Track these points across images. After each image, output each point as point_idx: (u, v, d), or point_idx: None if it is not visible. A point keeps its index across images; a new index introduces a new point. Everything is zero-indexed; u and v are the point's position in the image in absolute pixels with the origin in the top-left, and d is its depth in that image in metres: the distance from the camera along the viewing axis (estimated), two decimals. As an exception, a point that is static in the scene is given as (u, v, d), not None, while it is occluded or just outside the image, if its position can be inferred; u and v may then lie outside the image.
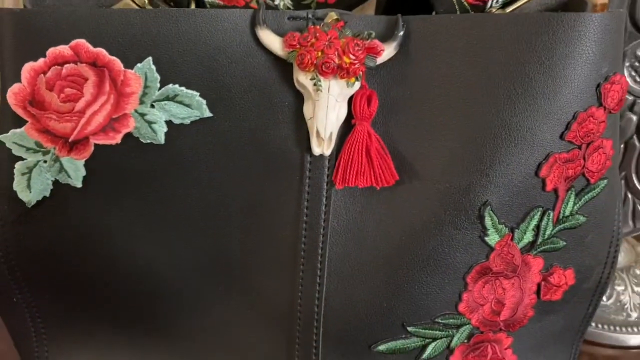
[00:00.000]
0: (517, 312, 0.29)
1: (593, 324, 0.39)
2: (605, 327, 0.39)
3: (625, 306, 0.39)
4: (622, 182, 0.39)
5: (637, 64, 0.35)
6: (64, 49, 0.26)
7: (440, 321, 0.28)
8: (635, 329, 0.39)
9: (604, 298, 0.39)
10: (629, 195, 0.39)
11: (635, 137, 0.37)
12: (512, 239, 0.27)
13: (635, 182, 0.38)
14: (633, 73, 0.35)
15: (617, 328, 0.39)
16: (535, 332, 0.30)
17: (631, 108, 0.36)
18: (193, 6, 0.29)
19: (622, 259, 0.41)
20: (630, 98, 0.36)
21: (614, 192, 0.28)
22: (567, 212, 0.27)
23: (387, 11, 0.32)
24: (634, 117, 0.36)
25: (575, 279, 0.29)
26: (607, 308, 0.39)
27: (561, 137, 0.25)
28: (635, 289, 0.40)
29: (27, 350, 0.33)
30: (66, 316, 0.32)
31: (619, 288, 0.40)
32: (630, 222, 0.40)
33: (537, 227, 0.27)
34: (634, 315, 0.39)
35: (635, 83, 0.36)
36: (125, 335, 0.31)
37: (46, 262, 0.30)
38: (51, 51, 0.26)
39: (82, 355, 0.32)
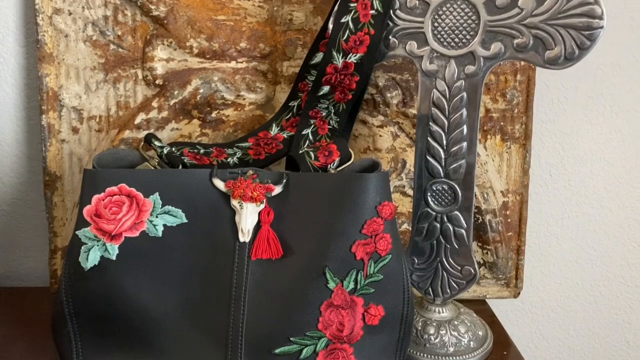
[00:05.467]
0: (353, 331, 0.52)
1: (428, 356, 0.62)
2: (435, 357, 0.61)
3: (446, 343, 0.62)
4: (439, 264, 0.63)
5: (434, 194, 0.61)
6: (114, 188, 0.51)
7: (308, 334, 0.51)
8: (452, 358, 0.61)
9: (433, 338, 0.62)
10: (444, 273, 0.63)
11: (440, 236, 0.62)
12: (342, 286, 0.51)
13: (446, 264, 0.63)
14: (433, 199, 0.61)
15: (442, 358, 0.61)
16: (367, 345, 0.53)
17: (435, 219, 0.62)
18: (181, 167, 0.55)
19: (447, 314, 0.64)
20: (434, 213, 0.61)
21: (400, 261, 0.53)
22: (371, 272, 0.51)
23: (287, 167, 0.59)
24: (438, 225, 0.62)
25: (385, 312, 0.52)
26: (435, 345, 0.62)
27: (360, 232, 0.50)
28: (453, 333, 0.63)
29: (69, 361, 0.54)
30: (96, 339, 0.53)
31: (442, 332, 0.62)
32: (448, 290, 0.64)
33: (355, 280, 0.51)
34: (451, 349, 0.62)
35: (435, 204, 0.61)
36: (130, 348, 0.52)
37: (91, 305, 0.52)
38: (107, 189, 0.51)
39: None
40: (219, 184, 0.52)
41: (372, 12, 0.56)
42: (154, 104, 0.68)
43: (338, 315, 0.51)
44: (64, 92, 0.67)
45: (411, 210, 0.69)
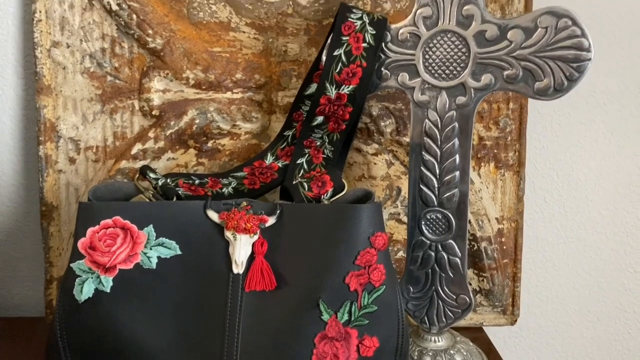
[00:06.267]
0: (347, 362, 0.52)
1: (424, 386, 0.61)
2: (431, 387, 0.61)
3: (443, 373, 0.62)
4: (434, 293, 0.63)
5: (428, 223, 0.61)
6: (108, 220, 0.51)
7: (302, 367, 0.51)
8: (449, 388, 0.61)
9: (429, 368, 0.62)
10: (440, 302, 0.63)
11: (435, 265, 0.62)
12: (336, 318, 0.51)
13: (441, 292, 0.63)
14: (427, 228, 0.61)
15: (438, 388, 0.61)
16: (362, 377, 0.53)
17: (429, 248, 0.62)
18: (175, 198, 0.55)
19: (443, 343, 0.64)
20: (428, 242, 0.62)
21: (394, 292, 0.53)
22: (365, 303, 0.51)
23: (281, 197, 0.59)
24: (432, 253, 0.62)
25: (379, 343, 0.52)
26: (431, 375, 0.62)
27: (353, 263, 0.50)
28: (449, 362, 0.62)
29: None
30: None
31: (438, 362, 0.62)
32: (443, 319, 0.63)
33: (350, 311, 0.51)
34: (448, 378, 0.61)
35: (429, 233, 0.61)
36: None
37: (84, 337, 0.52)
38: (102, 222, 0.51)
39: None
40: (213, 215, 0.52)
41: (364, 45, 0.57)
42: (151, 134, 0.68)
43: (332, 347, 0.51)
44: (62, 123, 0.67)
45: (406, 237, 0.70)
